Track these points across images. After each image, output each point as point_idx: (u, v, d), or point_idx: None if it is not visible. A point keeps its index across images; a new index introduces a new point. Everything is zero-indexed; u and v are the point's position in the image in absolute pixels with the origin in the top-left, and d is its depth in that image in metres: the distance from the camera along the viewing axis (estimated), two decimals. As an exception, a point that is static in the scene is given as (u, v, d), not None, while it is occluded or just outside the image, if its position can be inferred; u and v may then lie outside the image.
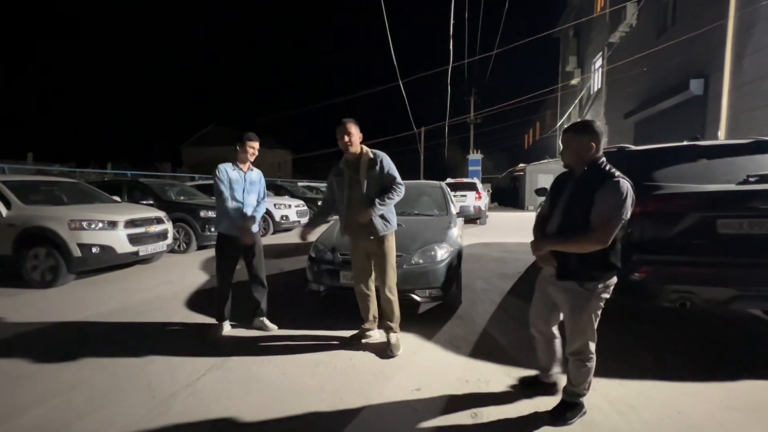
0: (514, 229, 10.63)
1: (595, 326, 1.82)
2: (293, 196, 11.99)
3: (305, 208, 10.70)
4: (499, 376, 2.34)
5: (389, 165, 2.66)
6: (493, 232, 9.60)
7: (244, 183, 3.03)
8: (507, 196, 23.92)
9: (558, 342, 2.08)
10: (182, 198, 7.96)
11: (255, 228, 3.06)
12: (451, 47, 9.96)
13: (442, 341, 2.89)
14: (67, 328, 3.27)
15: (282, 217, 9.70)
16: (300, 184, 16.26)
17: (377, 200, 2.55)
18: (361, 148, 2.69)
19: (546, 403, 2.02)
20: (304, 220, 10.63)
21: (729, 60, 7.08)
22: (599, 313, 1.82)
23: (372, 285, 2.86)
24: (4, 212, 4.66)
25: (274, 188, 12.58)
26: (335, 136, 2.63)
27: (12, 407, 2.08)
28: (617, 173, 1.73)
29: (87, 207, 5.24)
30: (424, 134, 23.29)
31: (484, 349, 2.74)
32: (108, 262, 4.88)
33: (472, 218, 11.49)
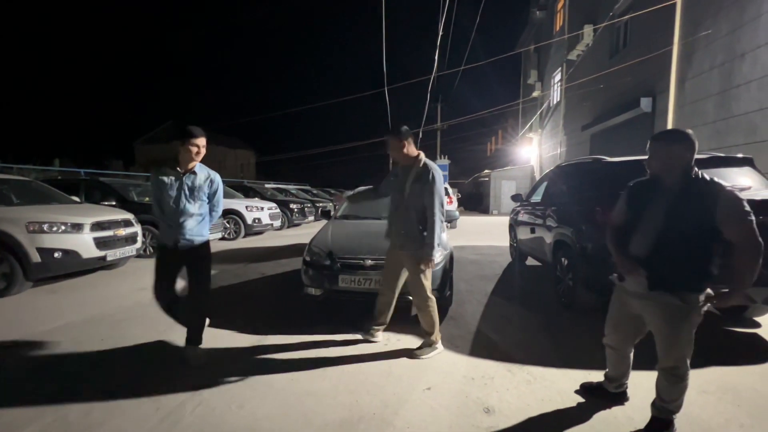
0: (484, 232, 11.08)
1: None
2: (263, 198, 11.67)
3: (278, 210, 10.46)
4: (502, 373, 2.48)
5: (434, 182, 2.51)
6: (465, 236, 9.96)
7: (180, 187, 2.53)
8: (472, 201, 24.82)
9: (632, 354, 2.03)
10: (147, 199, 7.49)
11: (202, 238, 2.63)
12: (436, 57, 10.25)
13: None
14: (37, 338, 2.99)
15: (254, 219, 9.41)
16: (268, 185, 15.83)
17: (427, 249, 2.53)
18: (418, 155, 2.63)
19: (557, 400, 2.18)
20: (277, 223, 10.39)
21: (674, 82, 7.92)
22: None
23: (396, 292, 2.85)
24: (-52, 213, 4.16)
25: (243, 190, 12.16)
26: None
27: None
28: (720, 182, 1.65)
29: (46, 208, 4.80)
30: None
31: (483, 348, 2.88)
32: (72, 268, 4.50)
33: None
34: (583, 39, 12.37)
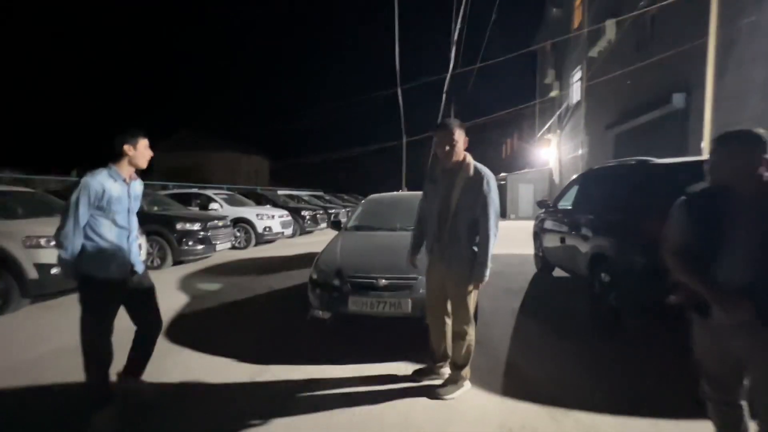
0: (504, 239, 10.52)
1: None
2: (275, 205, 11.46)
3: (289, 218, 10.21)
4: (545, 422, 2.05)
5: (489, 192, 2.14)
6: (484, 243, 9.45)
7: (128, 200, 2.11)
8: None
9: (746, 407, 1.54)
10: (156, 208, 7.33)
11: (141, 266, 2.23)
12: (452, 55, 9.89)
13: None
14: (28, 365, 2.72)
15: (265, 228, 9.18)
16: (280, 192, 15.68)
17: (479, 268, 2.15)
18: (464, 157, 2.23)
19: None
20: (288, 231, 10.14)
21: (711, 75, 7.30)
22: None
23: (448, 318, 2.41)
24: (-56, 228, 4.00)
25: (255, 197, 11.99)
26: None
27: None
28: None
29: (46, 221, 4.61)
30: (407, 141, 23.21)
31: (517, 385, 2.45)
32: (71, 285, 4.27)
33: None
34: (606, 34, 11.76)
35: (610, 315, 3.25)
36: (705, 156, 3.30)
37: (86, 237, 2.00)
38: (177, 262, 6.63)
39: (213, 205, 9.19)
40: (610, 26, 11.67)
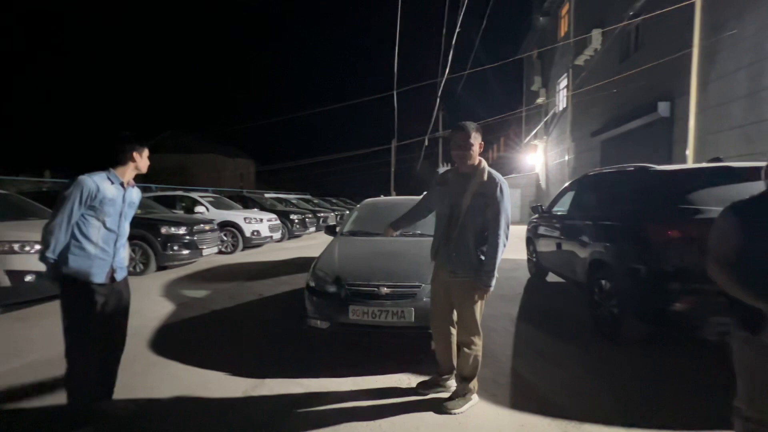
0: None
1: None
2: (263, 208, 11.20)
3: (278, 222, 9.98)
4: (558, 436, 1.98)
5: (501, 199, 2.07)
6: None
7: (122, 205, 2.06)
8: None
9: None
10: (139, 212, 7.02)
11: (124, 273, 2.14)
12: (450, 59, 9.95)
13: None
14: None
15: (253, 232, 8.94)
16: (268, 195, 15.39)
17: (486, 275, 2.06)
18: (479, 162, 2.17)
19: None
20: (277, 235, 9.92)
21: (695, 84, 7.52)
22: None
23: (453, 328, 2.30)
24: None
25: (242, 200, 11.69)
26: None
27: None
28: None
29: (19, 224, 4.33)
30: (395, 147, 23.25)
31: (525, 397, 2.38)
32: (46, 292, 4.00)
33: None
34: (591, 43, 12.04)
35: (612, 321, 3.22)
36: (703, 163, 3.35)
37: (72, 236, 1.92)
38: (161, 268, 6.36)
39: (199, 209, 8.90)
40: (595, 36, 11.96)
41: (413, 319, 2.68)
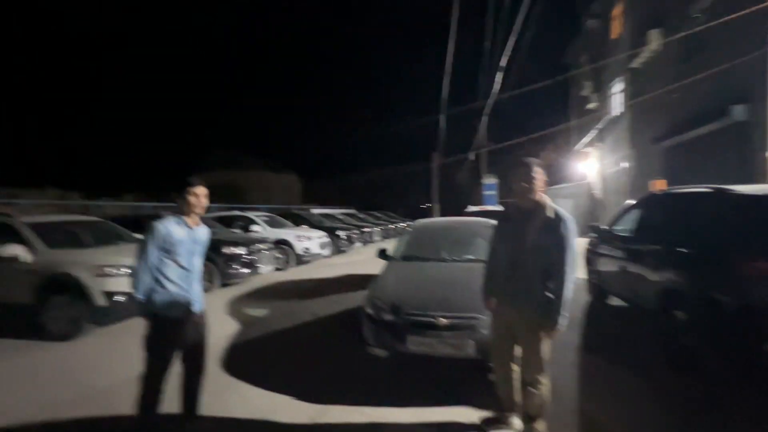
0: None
1: None
2: (312, 225, 11.67)
3: (327, 239, 10.36)
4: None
5: (568, 236, 2.04)
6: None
7: (191, 243, 2.28)
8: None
9: None
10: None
11: (200, 305, 2.37)
12: (499, 79, 9.92)
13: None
14: (94, 396, 2.85)
15: (304, 249, 9.34)
16: (315, 211, 15.99)
17: (556, 314, 2.03)
18: (542, 197, 2.15)
19: None
20: (326, 252, 10.26)
21: (777, 85, 6.77)
22: None
23: (515, 365, 2.28)
24: (29, 258, 4.36)
25: (291, 217, 12.28)
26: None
27: None
28: None
29: (112, 250, 4.93)
30: (438, 158, 23.15)
31: (597, 440, 2.27)
32: (135, 311, 4.50)
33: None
34: (649, 45, 11.29)
35: (689, 356, 2.97)
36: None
37: (154, 278, 2.18)
38: (224, 285, 6.85)
39: (255, 227, 9.49)
40: (653, 36, 11.21)
41: (473, 351, 2.67)
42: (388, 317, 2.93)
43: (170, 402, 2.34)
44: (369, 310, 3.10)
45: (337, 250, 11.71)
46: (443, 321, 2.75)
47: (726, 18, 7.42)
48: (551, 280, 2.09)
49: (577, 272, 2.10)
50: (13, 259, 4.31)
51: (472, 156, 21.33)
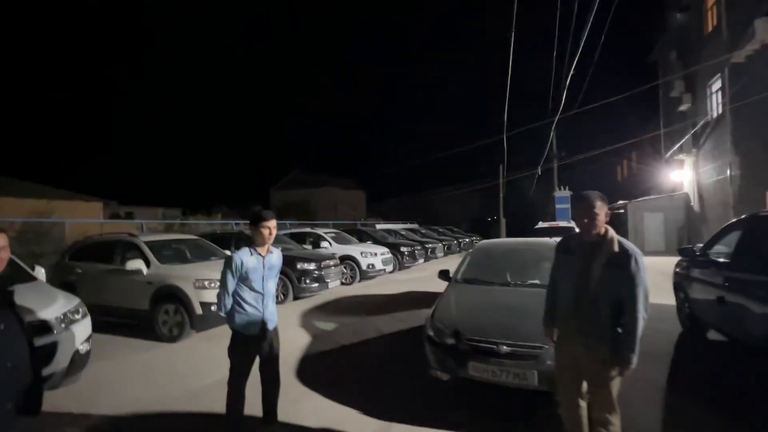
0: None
1: None
2: (375, 241, 12.07)
3: (390, 255, 10.63)
4: None
5: (638, 272, 1.94)
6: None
7: (263, 270, 2.57)
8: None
9: None
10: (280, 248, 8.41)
11: (274, 323, 2.66)
12: (563, 101, 9.57)
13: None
14: (199, 393, 3.35)
15: (368, 265, 9.71)
16: (379, 226, 16.46)
17: (628, 352, 1.94)
18: (606, 230, 2.08)
19: None
20: (389, 267, 10.52)
21: None
22: None
23: (583, 402, 2.21)
24: (146, 270, 5.26)
25: (356, 233, 12.82)
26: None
27: None
28: None
29: (207, 265, 5.70)
30: (505, 175, 22.35)
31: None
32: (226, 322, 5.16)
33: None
34: (756, 36, 9.83)
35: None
36: None
37: (234, 300, 2.54)
38: (296, 298, 7.43)
39: (323, 244, 10.14)
40: (761, 26, 9.74)
41: (536, 382, 2.61)
42: (450, 341, 2.99)
43: (256, 407, 2.68)
44: (430, 333, 3.18)
45: (401, 266, 11.91)
46: (505, 348, 2.73)
47: None
48: (621, 315, 2.00)
49: (648, 308, 1.97)
50: (137, 272, 5.25)
51: (539, 171, 20.17)
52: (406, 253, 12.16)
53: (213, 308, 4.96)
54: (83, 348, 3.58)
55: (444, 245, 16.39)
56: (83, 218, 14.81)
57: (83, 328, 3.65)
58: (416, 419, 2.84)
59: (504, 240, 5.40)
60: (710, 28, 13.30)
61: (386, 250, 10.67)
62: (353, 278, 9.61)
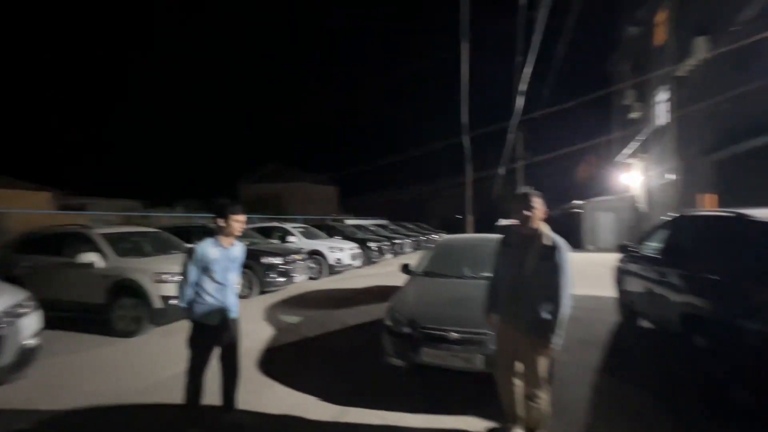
0: (581, 276, 9.78)
1: None
2: (344, 237, 12.16)
3: (358, 250, 10.75)
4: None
5: (563, 263, 2.21)
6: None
7: (225, 261, 2.63)
8: (561, 235, 22.51)
9: None
10: (246, 242, 8.32)
11: (234, 313, 2.73)
12: (522, 103, 9.96)
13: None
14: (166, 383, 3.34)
15: (336, 260, 9.79)
16: (348, 222, 16.54)
17: (552, 333, 2.18)
18: (541, 226, 2.33)
19: None
20: (357, 263, 10.65)
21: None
22: None
23: (517, 379, 2.45)
24: (102, 264, 5.09)
25: (325, 228, 12.85)
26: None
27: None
28: None
29: (167, 258, 5.58)
30: (473, 168, 23.00)
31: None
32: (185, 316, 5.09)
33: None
34: (696, 53, 10.77)
35: (710, 385, 2.93)
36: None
37: (195, 291, 2.60)
38: (262, 292, 7.40)
39: (291, 238, 10.10)
40: (699, 44, 10.69)
41: (481, 365, 2.85)
42: (406, 330, 3.18)
43: (214, 396, 2.74)
44: (388, 323, 3.36)
45: (368, 261, 12.08)
46: (454, 335, 2.96)
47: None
48: (549, 302, 2.25)
49: (570, 295, 2.24)
50: (90, 265, 5.06)
51: (502, 171, 21.01)
52: (374, 248, 12.33)
53: (173, 302, 4.90)
54: (31, 343, 3.46)
55: (412, 241, 16.74)
56: (29, 209, 13.80)
57: (31, 322, 3.53)
58: (372, 403, 3.01)
59: (464, 236, 5.69)
60: (658, 43, 14.38)
61: (355, 245, 10.79)
62: (321, 273, 9.66)
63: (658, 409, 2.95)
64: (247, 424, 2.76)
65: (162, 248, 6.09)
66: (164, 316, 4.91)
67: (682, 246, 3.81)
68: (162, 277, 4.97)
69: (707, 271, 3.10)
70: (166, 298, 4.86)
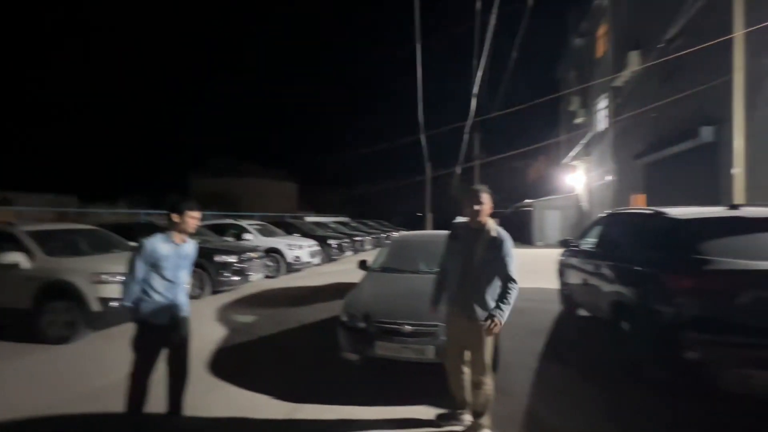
0: (529, 270, 10.41)
1: None
2: (304, 234, 11.96)
3: (318, 248, 10.63)
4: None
5: (509, 252, 2.40)
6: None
7: (177, 259, 2.54)
8: (513, 231, 23.78)
9: None
10: (197, 240, 7.92)
11: (184, 312, 2.64)
12: (475, 101, 10.33)
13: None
14: (98, 394, 3.11)
15: (295, 257, 9.61)
16: (308, 219, 16.28)
17: (498, 310, 2.32)
18: (488, 220, 2.49)
19: None
20: (316, 260, 10.53)
21: (741, 109, 7.19)
22: None
23: (466, 367, 2.59)
24: (28, 265, 4.61)
25: (284, 226, 12.55)
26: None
27: None
28: None
29: (107, 257, 5.19)
30: (431, 166, 23.57)
31: (536, 435, 2.57)
32: (127, 318, 4.75)
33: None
34: (629, 65, 11.83)
35: (633, 364, 3.29)
36: (720, 208, 3.36)
37: (142, 288, 2.47)
38: (215, 292, 7.10)
39: (247, 236, 9.76)
40: (633, 57, 11.75)
41: (433, 355, 2.97)
42: (360, 324, 3.23)
43: (159, 402, 2.61)
44: (343, 318, 3.40)
45: (328, 259, 11.98)
46: (408, 328, 3.06)
47: (693, 49, 7.92)
48: (496, 288, 2.43)
49: (517, 280, 2.41)
50: (14, 266, 4.57)
51: (458, 170, 21.80)
52: (334, 245, 12.26)
53: (113, 304, 4.56)
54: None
55: (373, 238, 16.84)
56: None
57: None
58: (326, 399, 3.03)
59: (420, 232, 5.84)
60: (599, 54, 15.59)
61: (314, 242, 10.66)
62: (278, 271, 9.45)
63: (590, 389, 3.25)
64: (194, 429, 2.66)
65: (101, 247, 5.63)
66: (103, 319, 4.56)
67: (611, 240, 4.21)
68: (101, 277, 4.61)
69: (631, 263, 3.46)
70: (105, 300, 4.51)
